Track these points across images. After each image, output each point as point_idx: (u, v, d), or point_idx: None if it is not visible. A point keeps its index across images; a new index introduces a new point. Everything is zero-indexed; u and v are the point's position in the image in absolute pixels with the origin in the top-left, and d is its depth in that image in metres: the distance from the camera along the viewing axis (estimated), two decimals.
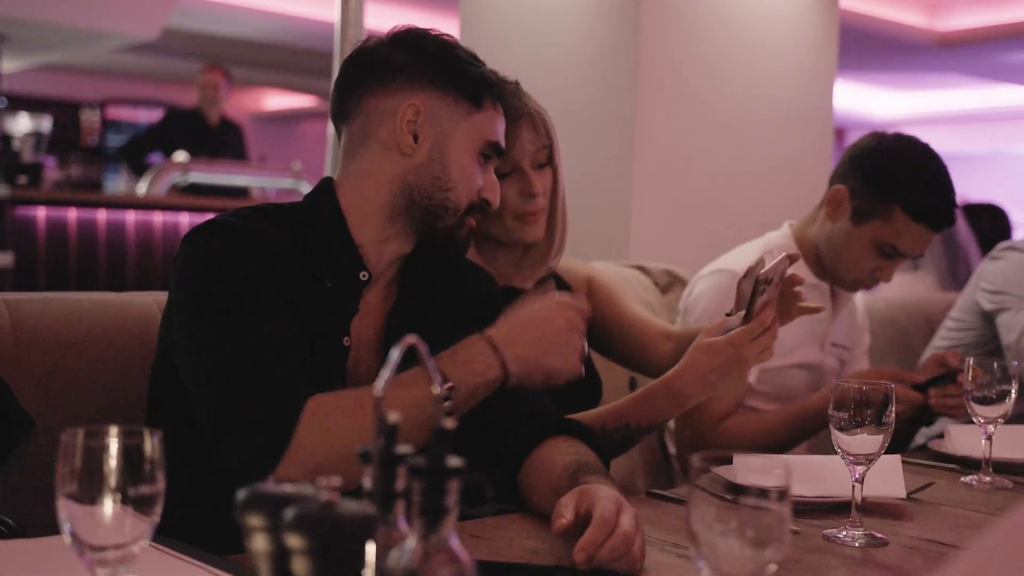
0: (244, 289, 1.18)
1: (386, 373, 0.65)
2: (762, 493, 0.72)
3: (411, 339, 0.67)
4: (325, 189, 1.31)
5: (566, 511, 1.07)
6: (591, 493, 1.08)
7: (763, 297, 1.37)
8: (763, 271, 1.35)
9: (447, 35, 1.34)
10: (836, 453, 1.24)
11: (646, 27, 2.91)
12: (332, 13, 2.49)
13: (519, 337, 1.21)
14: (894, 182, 1.81)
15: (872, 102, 9.66)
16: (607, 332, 1.77)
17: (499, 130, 1.34)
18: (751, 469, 0.75)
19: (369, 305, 1.30)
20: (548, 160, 1.59)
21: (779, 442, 1.80)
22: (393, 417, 0.65)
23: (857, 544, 1.20)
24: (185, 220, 4.79)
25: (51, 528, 0.99)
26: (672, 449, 2.01)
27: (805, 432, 1.84)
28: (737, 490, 0.72)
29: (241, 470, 1.07)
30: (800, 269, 1.93)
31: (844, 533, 1.21)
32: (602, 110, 2.93)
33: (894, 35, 6.80)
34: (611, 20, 2.97)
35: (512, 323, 1.23)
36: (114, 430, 0.73)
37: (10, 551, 0.95)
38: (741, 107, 3.15)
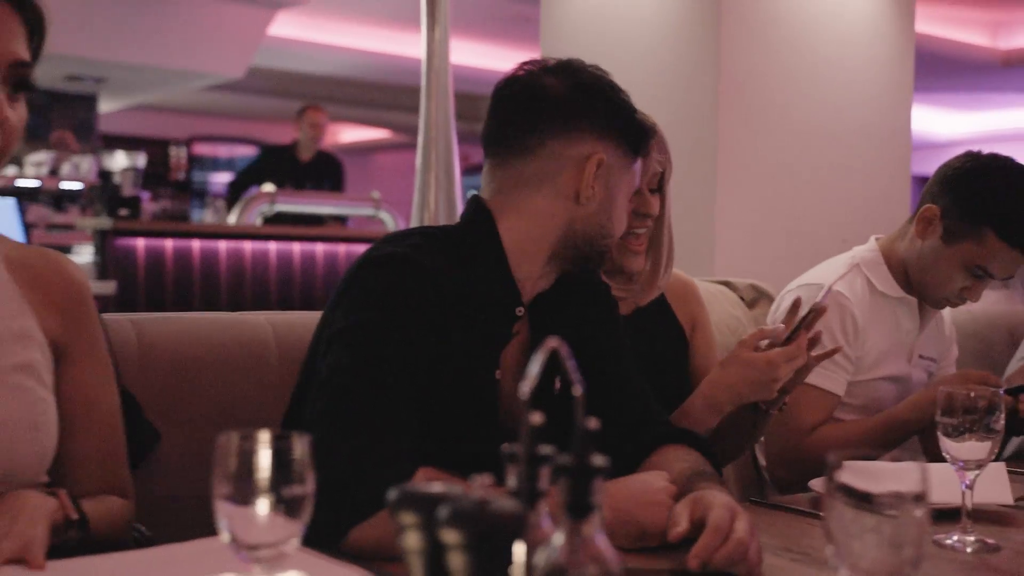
0: (397, 341, 1.16)
1: (531, 375, 0.68)
2: (898, 498, 0.72)
3: (553, 342, 0.69)
4: (485, 220, 1.27)
5: (681, 519, 1.08)
6: (705, 500, 1.09)
7: (811, 328, 1.41)
8: (820, 302, 1.41)
9: (603, 72, 1.30)
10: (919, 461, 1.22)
11: (727, 45, 2.92)
12: (411, 49, 2.55)
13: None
14: (988, 205, 1.79)
15: (936, 122, 9.44)
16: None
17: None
18: (861, 474, 0.75)
19: (514, 337, 1.29)
20: (659, 186, 1.60)
21: (866, 450, 1.77)
22: (536, 419, 0.68)
23: (969, 550, 1.18)
24: (273, 248, 4.96)
25: (179, 535, 1.03)
26: (763, 461, 2.01)
27: (893, 440, 1.82)
28: (867, 495, 0.72)
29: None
30: (887, 283, 1.92)
31: (955, 539, 1.21)
32: (685, 128, 2.95)
33: (957, 54, 6.67)
34: (692, 39, 2.99)
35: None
36: (265, 434, 0.77)
37: (159, 558, 1.00)
38: (821, 123, 3.14)
